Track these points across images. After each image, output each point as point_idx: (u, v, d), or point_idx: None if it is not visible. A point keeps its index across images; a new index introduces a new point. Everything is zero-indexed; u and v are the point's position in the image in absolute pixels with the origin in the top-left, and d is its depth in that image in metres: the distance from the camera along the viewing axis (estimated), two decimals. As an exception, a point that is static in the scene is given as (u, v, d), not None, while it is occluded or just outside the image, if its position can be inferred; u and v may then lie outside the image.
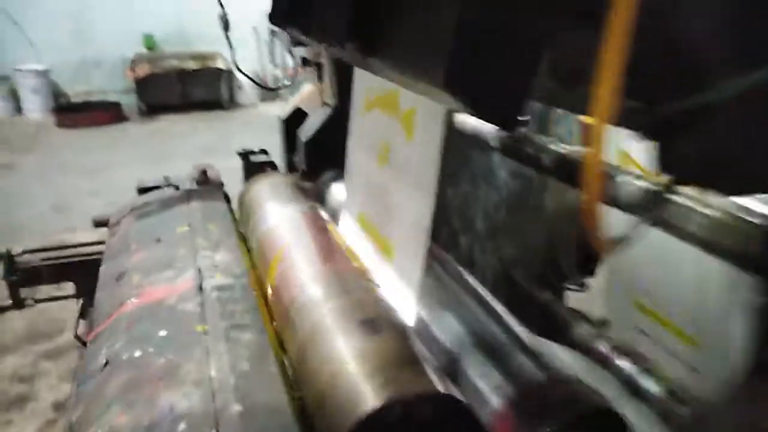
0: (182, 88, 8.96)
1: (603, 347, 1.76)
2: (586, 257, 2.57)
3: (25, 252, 2.18)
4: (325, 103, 2.38)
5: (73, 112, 8.41)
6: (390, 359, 1.07)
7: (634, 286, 1.61)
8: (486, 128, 1.83)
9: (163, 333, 1.25)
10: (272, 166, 2.36)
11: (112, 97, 8.95)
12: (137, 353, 1.19)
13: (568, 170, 1.49)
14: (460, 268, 1.46)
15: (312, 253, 1.50)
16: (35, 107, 8.67)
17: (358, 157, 1.72)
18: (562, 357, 1.33)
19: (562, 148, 1.54)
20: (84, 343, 1.52)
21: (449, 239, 2.28)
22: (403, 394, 0.98)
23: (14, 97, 8.75)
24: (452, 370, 1.14)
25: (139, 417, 1.02)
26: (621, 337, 1.76)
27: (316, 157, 2.28)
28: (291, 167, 2.65)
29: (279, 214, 1.74)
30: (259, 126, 7.38)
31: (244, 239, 1.81)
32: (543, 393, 1.01)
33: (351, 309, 1.23)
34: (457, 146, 2.12)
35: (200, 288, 1.39)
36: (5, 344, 3.46)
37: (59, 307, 2.63)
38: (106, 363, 1.20)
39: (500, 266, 2.42)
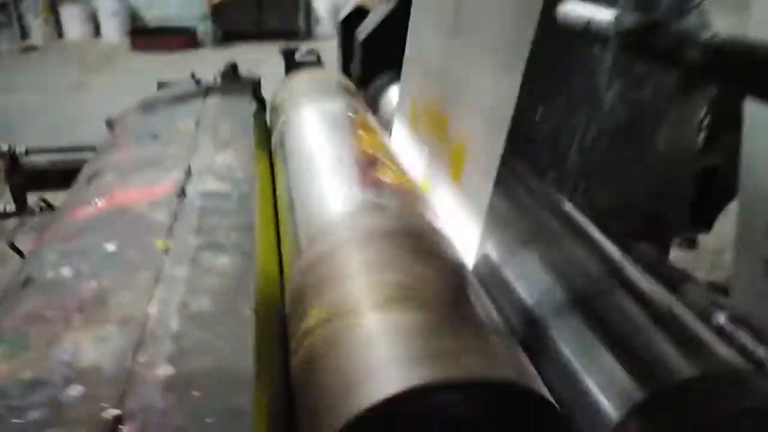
0: (258, 16, 8.62)
1: (719, 317, 1.33)
2: (702, 209, 2.08)
3: (30, 152, 1.87)
4: (388, -3, 1.91)
5: (148, 36, 8.28)
6: (433, 322, 0.63)
7: None
8: (601, 15, 1.31)
9: (110, 247, 0.86)
10: (319, 67, 1.93)
11: (188, 23, 8.74)
12: (66, 272, 0.82)
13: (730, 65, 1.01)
14: (552, 191, 0.99)
15: (345, 160, 1.07)
16: (113, 30, 8.60)
17: (420, 27, 1.25)
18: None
19: (716, 38, 1.04)
20: (21, 254, 1.17)
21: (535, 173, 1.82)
22: (447, 377, 0.55)
23: (94, 20, 8.71)
24: (531, 336, 0.70)
25: (20, 368, 0.64)
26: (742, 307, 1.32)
27: (373, 59, 1.83)
28: (347, 76, 2.22)
29: (314, 111, 1.32)
30: (334, 59, 6.95)
31: (268, 145, 1.40)
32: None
33: (387, 236, 0.80)
34: (554, 52, 1.62)
35: (182, 193, 1.00)
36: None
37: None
38: (26, 281, 0.83)
39: (593, 212, 1.95)
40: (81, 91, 6.62)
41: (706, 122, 2.00)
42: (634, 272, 0.75)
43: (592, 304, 0.68)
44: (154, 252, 0.84)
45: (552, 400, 0.58)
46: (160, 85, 1.75)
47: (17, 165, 1.89)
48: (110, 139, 1.44)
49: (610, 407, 0.57)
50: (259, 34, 8.55)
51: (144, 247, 0.85)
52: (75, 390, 0.59)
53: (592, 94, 1.83)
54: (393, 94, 1.58)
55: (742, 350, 1.16)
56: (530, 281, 0.76)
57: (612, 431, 0.56)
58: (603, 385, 0.59)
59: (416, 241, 0.78)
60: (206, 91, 1.57)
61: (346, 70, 2.17)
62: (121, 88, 6.45)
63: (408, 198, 0.93)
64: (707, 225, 2.10)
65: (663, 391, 0.55)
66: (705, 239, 2.37)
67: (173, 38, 8.23)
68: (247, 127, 1.37)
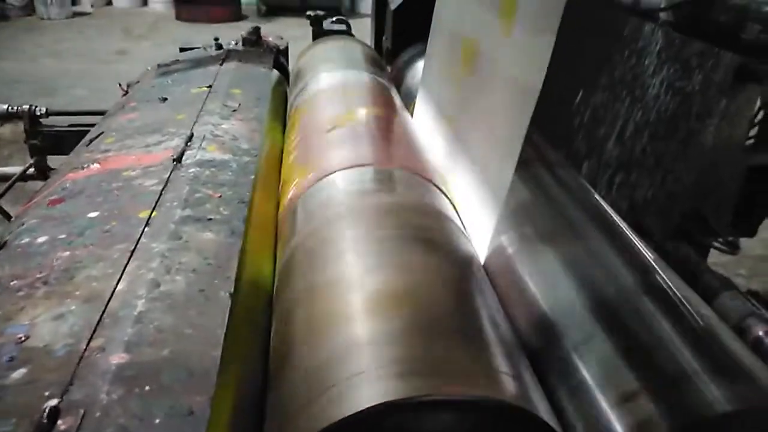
0: (303, -10, 8.53)
1: (757, 329, 1.23)
2: (747, 211, 1.94)
3: (50, 113, 1.84)
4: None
5: (193, 5, 8.28)
6: (427, 323, 0.55)
7: None
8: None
9: (92, 214, 0.80)
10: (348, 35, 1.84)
11: (233, -5, 8.71)
12: (41, 239, 0.75)
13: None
14: (582, 182, 0.88)
15: (357, 133, 0.99)
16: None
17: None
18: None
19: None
20: (8, 216, 1.12)
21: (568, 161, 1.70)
22: (436, 394, 0.46)
23: (142, -11, 8.75)
24: (542, 345, 0.60)
25: None
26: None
27: (404, 29, 1.73)
28: (378, 51, 2.12)
29: (333, 79, 1.23)
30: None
31: (284, 114, 1.33)
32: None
33: (389, 219, 0.71)
34: (597, 34, 1.50)
35: (177, 160, 0.92)
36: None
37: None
38: (2, 246, 0.77)
39: (628, 208, 1.82)
40: (123, 58, 6.69)
41: (759, 117, 1.84)
42: (665, 278, 0.64)
43: (615, 312, 0.58)
44: (135, 223, 0.77)
45: (550, 421, 0.49)
46: (183, 50, 1.68)
47: (37, 126, 1.86)
48: (120, 100, 1.38)
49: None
50: (302, 9, 8.47)
51: (126, 217, 0.78)
52: (16, 374, 0.53)
53: (637, 80, 1.71)
54: (419, 68, 1.48)
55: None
56: (547, 280, 0.67)
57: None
58: (621, 413, 0.50)
59: (421, 227, 0.69)
60: (225, 55, 1.49)
61: (378, 42, 2.07)
62: (162, 58, 6.50)
63: (419, 179, 0.84)
64: (751, 229, 1.95)
65: (690, 426, 0.46)
66: (748, 243, 2.22)
67: (217, 9, 8.23)
68: (262, 95, 1.29)
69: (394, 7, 1.77)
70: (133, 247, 0.71)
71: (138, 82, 1.51)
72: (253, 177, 0.93)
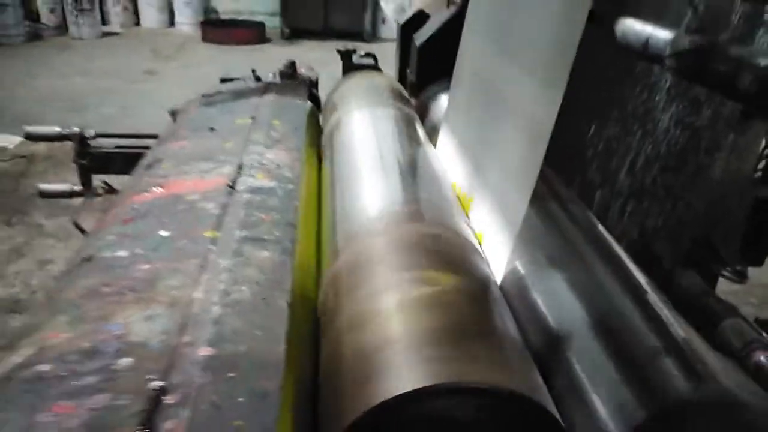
0: (325, 15, 8.77)
1: (759, 355, 1.30)
2: (755, 241, 2.02)
3: (98, 136, 1.99)
4: (450, 2, 1.94)
5: (219, 28, 8.53)
6: (453, 327, 0.67)
7: None
8: (660, 35, 1.30)
9: (164, 233, 0.93)
10: (376, 70, 1.98)
11: (258, 18, 8.97)
12: (122, 253, 0.89)
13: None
14: (589, 214, 1.00)
15: (387, 166, 1.12)
16: (186, 20, 8.91)
17: (470, 42, 1.28)
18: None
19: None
20: (84, 232, 1.26)
21: (581, 191, 1.81)
22: (455, 381, 0.59)
23: (169, 9, 9.03)
24: (549, 353, 0.72)
25: (79, 338, 0.71)
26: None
27: (429, 65, 1.86)
28: (402, 82, 2.26)
29: (363, 115, 1.37)
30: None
31: (318, 143, 1.46)
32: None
33: (420, 244, 0.84)
34: (610, 72, 1.62)
35: (232, 187, 1.06)
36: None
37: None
38: (87, 259, 0.91)
39: (639, 235, 1.92)
40: (152, 78, 6.91)
41: (766, 152, 1.95)
42: (655, 299, 0.76)
43: (609, 326, 0.70)
44: (202, 241, 0.90)
45: (554, 413, 0.60)
46: (223, 81, 1.83)
47: (85, 148, 2.01)
48: (171, 128, 1.53)
49: (612, 426, 0.60)
50: (324, 33, 8.70)
51: (194, 236, 0.92)
52: (123, 361, 0.66)
53: (648, 114, 1.81)
54: (443, 102, 1.61)
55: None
56: (553, 300, 0.79)
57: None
58: (609, 405, 0.61)
59: (447, 252, 0.82)
60: (264, 88, 1.64)
61: (402, 74, 2.21)
62: (188, 79, 6.71)
63: (444, 208, 0.96)
64: (759, 258, 2.03)
65: (660, 413, 0.57)
66: (757, 272, 2.31)
67: (243, 32, 8.46)
68: (299, 126, 1.43)
69: (419, 44, 1.90)
70: (203, 262, 0.84)
71: (184, 110, 1.66)
72: (297, 203, 1.06)
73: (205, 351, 0.67)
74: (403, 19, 2.23)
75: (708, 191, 2.00)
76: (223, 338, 0.69)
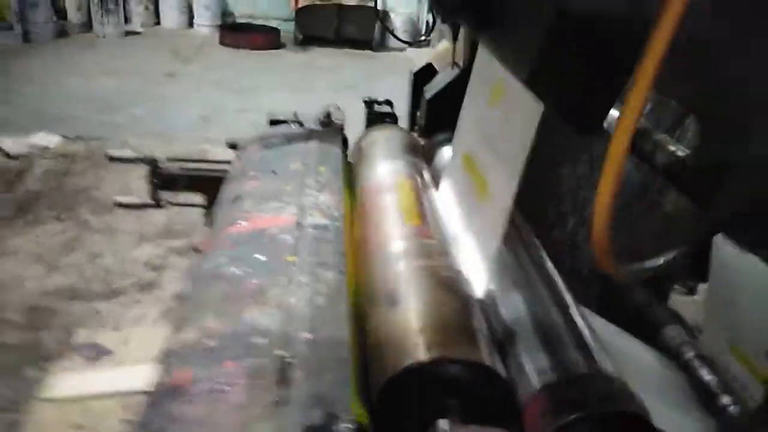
0: (338, 23, 9.22)
1: (688, 352, 1.74)
2: (701, 262, 2.48)
3: (168, 160, 2.47)
4: (455, 64, 2.42)
5: (235, 31, 8.96)
6: (446, 322, 1.16)
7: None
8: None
9: (260, 257, 1.42)
10: (393, 117, 2.46)
11: (273, 23, 9.41)
12: (236, 270, 1.37)
13: (680, 175, 1.46)
14: (542, 254, 1.49)
15: (400, 210, 1.61)
16: (204, 22, 9.35)
17: (471, 96, 1.74)
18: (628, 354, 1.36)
19: (679, 150, 1.51)
20: (199, 252, 1.75)
21: (557, 219, 2.29)
22: (445, 356, 1.08)
23: (189, 11, 9.47)
24: (505, 347, 1.22)
25: (226, 325, 1.20)
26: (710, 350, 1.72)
27: (436, 116, 2.34)
28: (413, 122, 2.74)
29: (382, 167, 1.86)
30: (402, 70, 7.44)
31: (350, 184, 1.94)
32: (578, 385, 1.06)
33: (424, 271, 1.33)
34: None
35: (299, 224, 1.55)
36: (145, 235, 3.94)
37: (196, 212, 2.96)
38: (211, 274, 1.40)
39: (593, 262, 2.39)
40: (172, 81, 7.35)
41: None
42: (575, 310, 1.26)
43: (546, 330, 1.20)
44: (287, 264, 1.39)
45: (502, 375, 1.09)
46: (272, 123, 2.31)
47: (156, 169, 2.50)
48: (240, 166, 2.01)
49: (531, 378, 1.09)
50: (336, 41, 9.17)
51: (280, 260, 1.40)
52: (259, 340, 1.14)
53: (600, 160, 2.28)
54: (446, 151, 2.09)
55: (699, 382, 1.61)
56: (513, 313, 1.28)
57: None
58: (529, 370, 1.11)
59: (442, 279, 1.31)
60: (308, 135, 2.12)
61: (413, 116, 2.70)
62: (208, 83, 7.19)
63: (439, 246, 1.46)
64: (705, 276, 2.50)
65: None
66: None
67: (258, 36, 8.87)
68: (338, 170, 1.91)
69: (428, 97, 2.39)
70: (290, 279, 1.33)
71: (246, 148, 2.14)
72: (342, 236, 1.55)
73: (305, 335, 1.15)
74: (415, 69, 2.70)
75: (661, 222, 2.46)
76: (313, 328, 1.18)
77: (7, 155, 4.87)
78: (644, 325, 1.99)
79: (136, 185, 3.31)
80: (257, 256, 1.42)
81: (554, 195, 2.31)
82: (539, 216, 2.09)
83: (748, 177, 0.77)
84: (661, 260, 1.22)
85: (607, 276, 2.27)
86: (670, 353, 1.78)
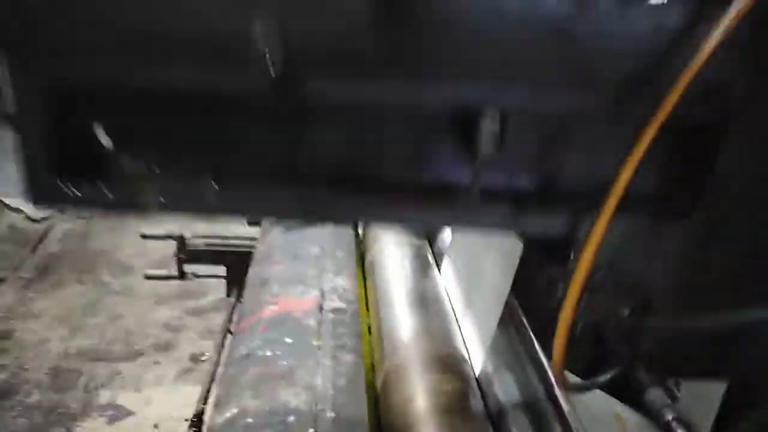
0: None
1: (668, 415, 1.94)
2: None
3: (193, 237, 2.72)
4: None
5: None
6: (448, 402, 1.39)
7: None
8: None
9: (288, 340, 1.65)
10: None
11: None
12: (268, 353, 1.60)
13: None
14: (533, 339, 1.73)
15: (407, 293, 1.85)
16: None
17: None
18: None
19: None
20: (231, 333, 1.98)
21: (548, 285, 2.52)
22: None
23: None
24: (500, 422, 1.44)
25: (263, 404, 1.42)
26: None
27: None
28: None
29: (389, 250, 2.11)
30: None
31: (363, 266, 2.19)
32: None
33: (428, 352, 1.56)
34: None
35: (321, 308, 1.78)
36: (163, 297, 4.16)
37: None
38: (247, 355, 1.62)
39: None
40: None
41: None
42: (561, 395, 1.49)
43: (531, 408, 1.42)
44: (312, 347, 1.61)
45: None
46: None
47: (183, 245, 2.75)
48: (263, 249, 2.25)
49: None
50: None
51: (306, 343, 1.63)
52: (291, 418, 1.36)
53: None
54: (447, 233, 2.34)
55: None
56: (505, 391, 1.51)
57: None
58: None
59: (444, 361, 1.54)
60: (324, 218, 2.37)
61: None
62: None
63: (443, 327, 1.69)
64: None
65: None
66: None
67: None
68: (351, 253, 2.16)
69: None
70: (316, 361, 1.55)
71: (268, 231, 2.38)
72: (359, 318, 1.78)
73: (329, 413, 1.37)
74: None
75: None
76: (335, 407, 1.40)
77: (30, 218, 5.13)
78: (630, 388, 2.20)
79: (152, 245, 3.56)
80: (286, 339, 1.65)
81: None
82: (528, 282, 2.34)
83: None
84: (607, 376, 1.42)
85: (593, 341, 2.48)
86: (650, 415, 1.99)
